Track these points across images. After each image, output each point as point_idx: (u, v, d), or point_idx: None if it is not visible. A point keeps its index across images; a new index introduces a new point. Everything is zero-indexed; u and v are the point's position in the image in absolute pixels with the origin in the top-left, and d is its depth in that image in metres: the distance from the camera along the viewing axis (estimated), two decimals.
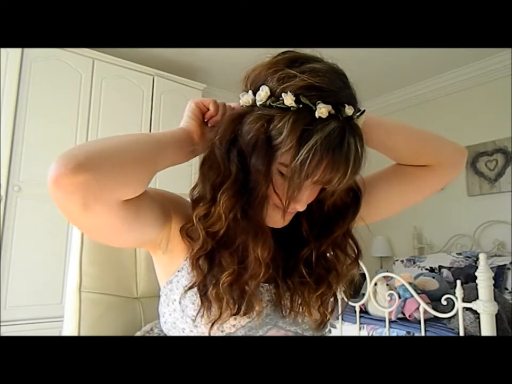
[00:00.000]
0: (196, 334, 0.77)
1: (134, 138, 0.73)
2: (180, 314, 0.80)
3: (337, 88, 0.72)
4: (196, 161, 0.84)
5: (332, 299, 0.86)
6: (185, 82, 4.17)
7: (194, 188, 0.83)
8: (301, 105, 0.69)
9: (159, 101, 3.98)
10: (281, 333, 0.81)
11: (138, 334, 1.02)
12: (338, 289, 0.87)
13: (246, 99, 0.76)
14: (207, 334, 0.76)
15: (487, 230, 4.07)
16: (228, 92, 4.50)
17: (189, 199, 0.88)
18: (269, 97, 0.72)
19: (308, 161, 0.67)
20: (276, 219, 0.78)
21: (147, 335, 0.98)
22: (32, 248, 3.11)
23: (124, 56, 3.72)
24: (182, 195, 0.92)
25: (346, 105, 0.71)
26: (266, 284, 0.82)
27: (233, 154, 0.74)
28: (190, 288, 0.77)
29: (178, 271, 0.82)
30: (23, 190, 3.11)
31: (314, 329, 0.85)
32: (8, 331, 2.92)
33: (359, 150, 0.72)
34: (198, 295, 0.77)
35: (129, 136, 0.72)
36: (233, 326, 0.78)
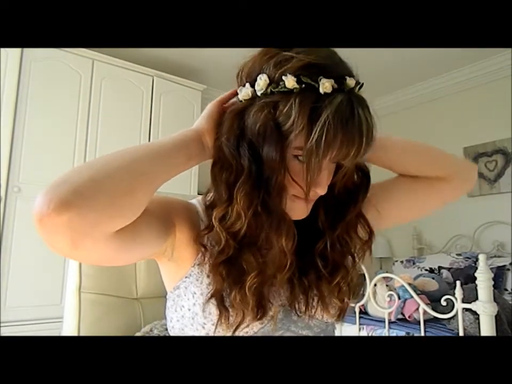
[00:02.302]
0: None
1: (130, 155, 0.66)
2: (190, 322, 0.77)
3: (334, 62, 0.71)
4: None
5: (347, 289, 0.84)
6: (185, 83, 4.18)
7: (207, 193, 0.81)
8: (303, 85, 0.68)
9: (158, 101, 3.98)
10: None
11: (138, 334, 1.02)
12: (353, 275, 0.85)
13: (245, 92, 0.74)
14: None
15: (486, 230, 4.07)
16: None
17: (190, 201, 0.87)
18: (269, 84, 0.71)
19: (324, 138, 0.66)
20: (298, 210, 0.76)
21: (147, 335, 0.98)
22: (32, 248, 3.11)
23: (123, 56, 3.72)
24: (181, 196, 0.92)
25: (347, 77, 0.70)
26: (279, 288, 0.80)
27: (243, 149, 0.72)
28: (212, 296, 0.75)
29: (186, 277, 0.79)
30: (22, 191, 3.11)
31: (335, 321, 0.84)
32: (7, 332, 2.91)
33: (369, 120, 0.70)
34: (209, 304, 0.75)
35: (124, 154, 0.66)
36: (246, 334, 0.76)
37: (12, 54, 3.15)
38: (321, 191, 0.73)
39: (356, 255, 0.83)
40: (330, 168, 0.75)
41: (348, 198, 0.82)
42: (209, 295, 0.75)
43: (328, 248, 0.81)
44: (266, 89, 0.71)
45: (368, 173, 0.83)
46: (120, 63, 3.73)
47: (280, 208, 0.73)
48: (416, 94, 4.78)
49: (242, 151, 0.72)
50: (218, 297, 0.74)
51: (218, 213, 0.74)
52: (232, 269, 0.75)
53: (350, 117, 0.67)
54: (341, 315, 0.84)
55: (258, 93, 0.72)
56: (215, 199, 0.77)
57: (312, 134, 0.66)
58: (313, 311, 0.81)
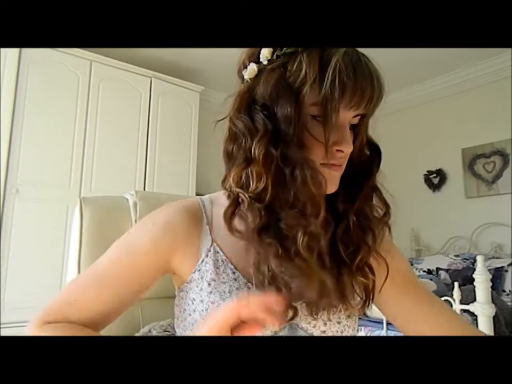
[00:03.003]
0: None
1: None
2: (190, 327, 0.77)
3: None
4: (193, 161, 0.82)
5: (369, 272, 0.80)
6: (183, 84, 4.18)
7: (224, 180, 0.77)
8: None
9: (156, 102, 3.98)
10: None
11: (136, 336, 1.02)
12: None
13: (250, 70, 0.74)
14: None
15: (484, 232, 4.08)
16: (225, 94, 4.50)
17: (195, 200, 0.83)
18: (273, 51, 0.72)
19: (337, 80, 0.66)
20: (328, 179, 0.72)
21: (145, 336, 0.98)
22: (30, 249, 3.11)
23: (121, 58, 3.72)
24: (182, 196, 0.91)
25: None
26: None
27: (256, 113, 0.71)
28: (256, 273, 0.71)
29: (187, 282, 0.77)
30: (21, 192, 3.11)
31: (359, 310, 0.82)
32: (7, 333, 2.91)
33: (376, 69, 0.71)
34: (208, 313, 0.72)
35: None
36: None
37: (10, 55, 3.15)
38: (347, 147, 0.72)
39: (375, 229, 0.80)
40: (348, 128, 0.74)
41: (363, 171, 0.80)
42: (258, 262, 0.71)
43: (350, 227, 0.78)
44: (272, 55, 0.72)
45: (377, 146, 0.82)
46: (118, 64, 3.74)
47: (302, 157, 0.69)
48: (414, 95, 4.79)
49: (256, 115, 0.71)
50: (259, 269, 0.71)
51: (235, 175, 0.72)
52: (273, 235, 0.70)
53: (358, 62, 0.69)
54: (367, 300, 0.81)
55: (264, 62, 0.72)
56: (232, 177, 0.73)
57: (325, 79, 0.67)
58: (334, 310, 0.78)
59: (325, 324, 0.79)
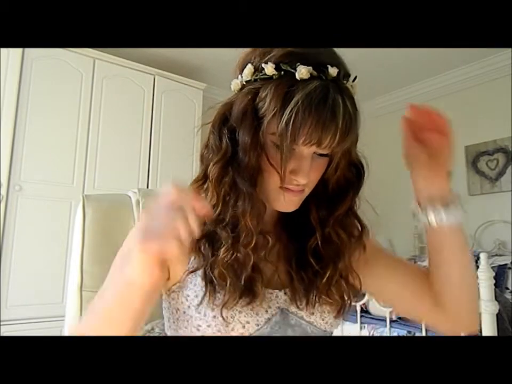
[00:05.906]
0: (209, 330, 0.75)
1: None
2: (184, 324, 0.77)
3: (318, 51, 0.72)
4: (196, 159, 0.84)
5: (344, 284, 0.83)
6: (186, 81, 4.18)
7: (198, 180, 0.83)
8: (282, 72, 0.70)
9: (160, 100, 3.98)
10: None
11: (139, 333, 1.02)
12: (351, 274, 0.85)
13: (235, 83, 0.78)
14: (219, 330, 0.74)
15: (488, 229, 4.07)
16: (228, 91, 4.50)
17: None
18: (253, 73, 0.74)
19: (292, 120, 0.67)
20: (286, 202, 0.77)
21: (148, 334, 0.98)
22: (33, 247, 3.11)
23: (124, 55, 3.72)
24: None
25: (330, 66, 0.71)
26: (276, 291, 0.80)
27: (224, 133, 0.75)
28: (192, 271, 0.76)
29: (179, 281, 0.79)
30: (24, 189, 3.12)
31: (335, 317, 0.84)
32: (9, 330, 2.92)
33: (349, 107, 0.71)
34: (203, 305, 0.75)
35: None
36: (242, 335, 0.75)
37: (13, 52, 3.15)
38: (302, 179, 0.74)
39: (344, 253, 0.83)
40: (316, 161, 0.76)
41: (340, 193, 0.82)
42: (188, 271, 0.77)
43: (320, 244, 0.81)
44: (251, 77, 0.74)
45: (361, 169, 0.83)
46: (121, 62, 3.73)
47: (248, 188, 0.73)
48: (417, 92, 4.77)
49: (223, 136, 0.75)
50: (201, 274, 0.76)
51: (193, 188, 0.79)
52: (214, 247, 0.76)
53: (321, 102, 0.68)
54: (341, 311, 0.84)
55: (244, 81, 0.76)
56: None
57: (283, 117, 0.68)
58: (314, 304, 0.81)
59: (313, 306, 0.82)
